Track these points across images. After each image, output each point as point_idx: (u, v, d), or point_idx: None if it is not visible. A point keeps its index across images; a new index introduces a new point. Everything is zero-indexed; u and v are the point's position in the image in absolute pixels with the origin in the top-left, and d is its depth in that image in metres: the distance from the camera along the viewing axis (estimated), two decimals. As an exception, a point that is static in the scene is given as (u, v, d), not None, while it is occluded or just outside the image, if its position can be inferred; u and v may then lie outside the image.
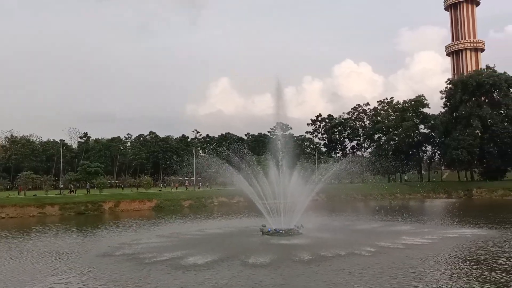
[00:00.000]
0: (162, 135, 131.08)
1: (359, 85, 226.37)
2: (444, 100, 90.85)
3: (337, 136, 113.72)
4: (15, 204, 50.87)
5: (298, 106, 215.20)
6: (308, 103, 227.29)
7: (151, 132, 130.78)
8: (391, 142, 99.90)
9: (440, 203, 63.32)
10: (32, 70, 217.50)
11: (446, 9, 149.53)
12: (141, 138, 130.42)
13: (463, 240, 24.51)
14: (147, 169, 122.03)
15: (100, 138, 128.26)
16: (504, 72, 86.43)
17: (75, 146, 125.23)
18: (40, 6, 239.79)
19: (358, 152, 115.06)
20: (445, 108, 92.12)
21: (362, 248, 21.40)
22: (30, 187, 79.45)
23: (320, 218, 36.15)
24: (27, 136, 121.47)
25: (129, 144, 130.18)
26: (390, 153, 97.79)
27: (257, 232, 27.48)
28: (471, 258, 19.60)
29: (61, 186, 78.31)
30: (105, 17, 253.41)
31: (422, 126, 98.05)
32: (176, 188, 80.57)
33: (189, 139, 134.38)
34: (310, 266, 18.05)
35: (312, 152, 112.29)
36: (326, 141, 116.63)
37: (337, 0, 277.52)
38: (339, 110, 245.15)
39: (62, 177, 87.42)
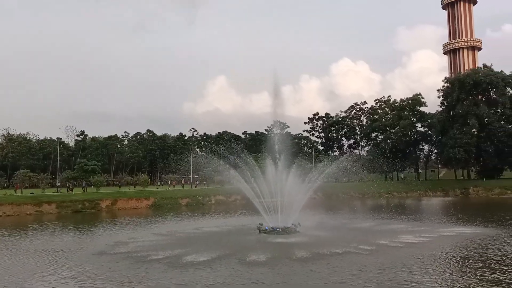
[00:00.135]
0: (159, 133, 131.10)
1: (357, 84, 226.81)
2: (441, 98, 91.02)
3: (334, 134, 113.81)
4: (12, 202, 50.61)
5: (296, 104, 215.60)
6: (305, 101, 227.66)
7: (148, 131, 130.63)
8: (388, 141, 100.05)
9: (437, 202, 63.43)
10: (32, 70, 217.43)
11: (444, 8, 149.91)
12: (138, 137, 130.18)
13: (460, 239, 24.57)
14: (144, 167, 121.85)
15: (97, 136, 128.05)
16: (501, 71, 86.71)
17: (72, 144, 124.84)
18: (40, 6, 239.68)
19: (355, 151, 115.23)
20: (442, 107, 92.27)
21: (359, 247, 21.42)
22: (26, 185, 79.09)
23: (318, 216, 36.20)
24: (24, 134, 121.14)
25: (126, 142, 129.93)
26: (387, 151, 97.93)
27: (254, 230, 27.47)
28: (469, 256, 19.63)
29: (58, 184, 78.05)
30: (105, 17, 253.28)
31: (419, 125, 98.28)
32: (174, 186, 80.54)
33: (186, 138, 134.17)
34: (308, 264, 18.03)
35: (309, 150, 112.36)
36: (324, 140, 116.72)
37: (335, 0, 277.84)
38: (336, 109, 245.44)
39: (59, 175, 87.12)
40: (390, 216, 39.74)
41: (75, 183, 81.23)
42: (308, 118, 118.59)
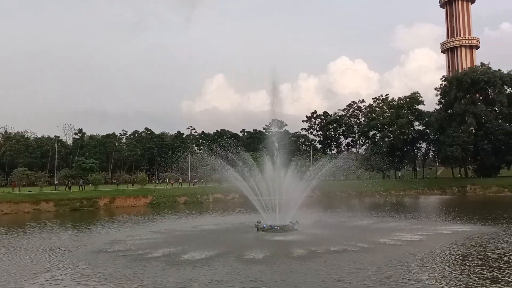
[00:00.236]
0: (157, 131, 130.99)
1: (355, 82, 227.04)
2: (439, 97, 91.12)
3: (332, 133, 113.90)
4: (10, 201, 50.44)
5: (294, 102, 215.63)
6: (303, 99, 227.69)
7: (146, 129, 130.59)
8: (386, 139, 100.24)
9: (435, 200, 63.55)
10: (32, 70, 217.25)
11: (442, 6, 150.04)
12: (137, 135, 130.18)
13: (458, 236, 24.61)
14: (142, 165, 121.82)
15: (95, 134, 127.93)
16: (499, 70, 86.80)
17: (70, 142, 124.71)
18: (40, 6, 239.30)
19: (353, 149, 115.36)
20: (439, 105, 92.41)
21: (357, 245, 21.42)
22: (24, 183, 78.93)
23: (315, 215, 36.24)
24: (22, 132, 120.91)
25: (124, 140, 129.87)
26: (385, 150, 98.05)
27: (252, 228, 27.43)
28: (466, 254, 19.65)
29: (56, 182, 77.90)
30: (105, 17, 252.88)
31: (417, 123, 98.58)
32: (172, 184, 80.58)
33: (184, 136, 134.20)
34: (305, 262, 18.01)
35: (307, 148, 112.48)
36: (321, 138, 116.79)
37: (335, 0, 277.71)
38: (334, 107, 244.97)
39: (57, 173, 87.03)
40: (387, 214, 39.79)
41: (73, 181, 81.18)
42: (306, 116, 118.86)
